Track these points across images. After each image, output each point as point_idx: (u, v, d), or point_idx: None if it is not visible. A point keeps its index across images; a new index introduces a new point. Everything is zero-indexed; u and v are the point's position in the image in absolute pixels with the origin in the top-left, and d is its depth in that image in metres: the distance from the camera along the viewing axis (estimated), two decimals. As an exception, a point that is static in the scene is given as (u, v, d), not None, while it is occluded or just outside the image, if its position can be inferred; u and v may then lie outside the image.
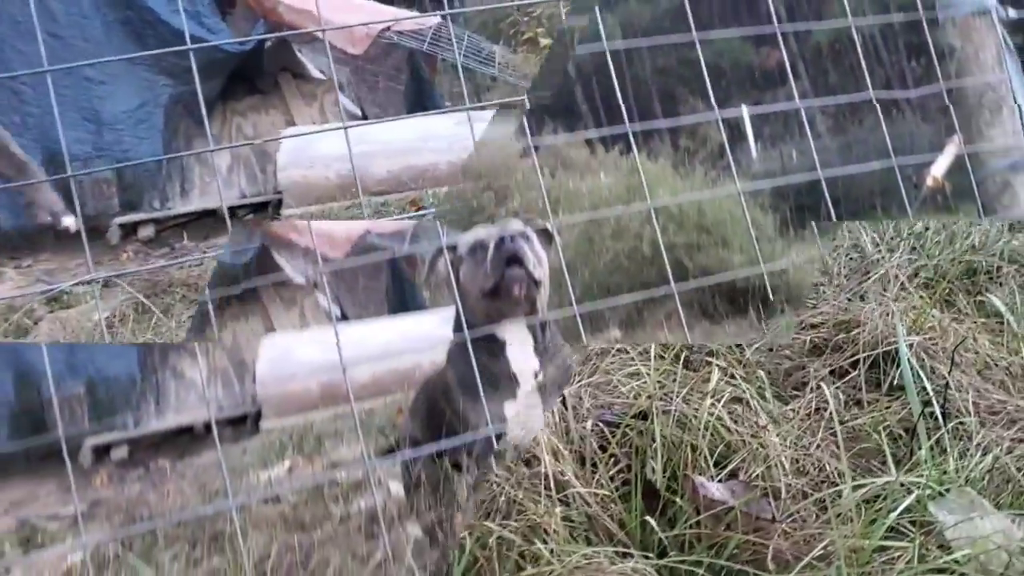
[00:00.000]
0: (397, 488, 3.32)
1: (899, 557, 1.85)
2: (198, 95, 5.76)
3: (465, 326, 2.19)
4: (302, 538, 2.88)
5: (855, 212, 2.99)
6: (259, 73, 6.23)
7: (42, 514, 4.37)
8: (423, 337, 4.89)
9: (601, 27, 2.43)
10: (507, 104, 5.59)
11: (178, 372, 6.67)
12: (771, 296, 5.49)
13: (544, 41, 7.87)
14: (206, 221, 5.83)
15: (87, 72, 5.50)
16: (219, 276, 5.93)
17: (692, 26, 2.31)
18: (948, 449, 2.21)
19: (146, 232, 5.67)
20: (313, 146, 5.45)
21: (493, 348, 2.17)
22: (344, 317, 7.31)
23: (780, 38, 2.56)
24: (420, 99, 6.63)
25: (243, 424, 5.86)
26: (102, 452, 5.88)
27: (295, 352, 5.62)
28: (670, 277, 2.58)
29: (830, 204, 2.65)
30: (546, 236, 2.31)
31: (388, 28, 6.19)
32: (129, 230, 5.66)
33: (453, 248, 2.26)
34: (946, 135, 2.45)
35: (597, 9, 2.44)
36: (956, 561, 1.80)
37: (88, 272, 5.16)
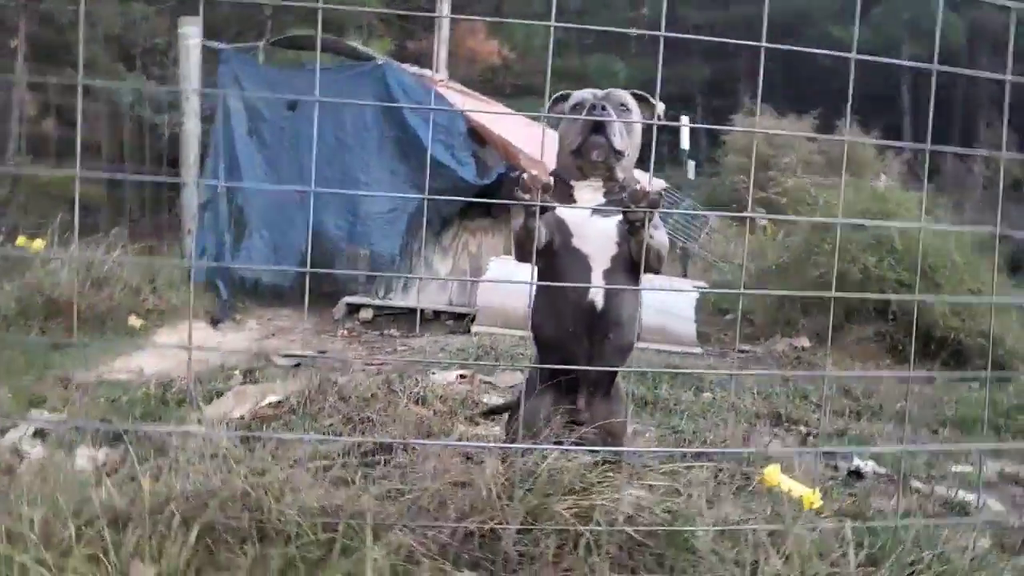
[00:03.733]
0: (499, 432, 3.47)
1: None
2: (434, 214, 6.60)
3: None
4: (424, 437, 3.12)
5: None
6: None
7: (279, 351, 4.81)
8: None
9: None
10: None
11: (429, 262, 7.20)
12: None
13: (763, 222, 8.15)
14: (413, 317, 6.50)
15: (357, 174, 6.60)
16: (458, 191, 6.41)
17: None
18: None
19: (365, 315, 6.42)
20: (514, 278, 6.03)
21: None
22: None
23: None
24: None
25: (462, 320, 6.07)
26: (354, 309, 6.41)
27: (515, 276, 5.90)
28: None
29: None
30: (648, 105, 2.44)
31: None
32: (354, 309, 6.45)
33: (566, 98, 2.45)
34: None
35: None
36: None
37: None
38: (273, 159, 6.74)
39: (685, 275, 7.14)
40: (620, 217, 2.31)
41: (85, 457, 2.79)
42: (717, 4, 31.62)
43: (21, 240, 5.07)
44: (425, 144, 6.51)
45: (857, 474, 3.13)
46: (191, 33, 6.60)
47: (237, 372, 4.04)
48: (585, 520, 1.86)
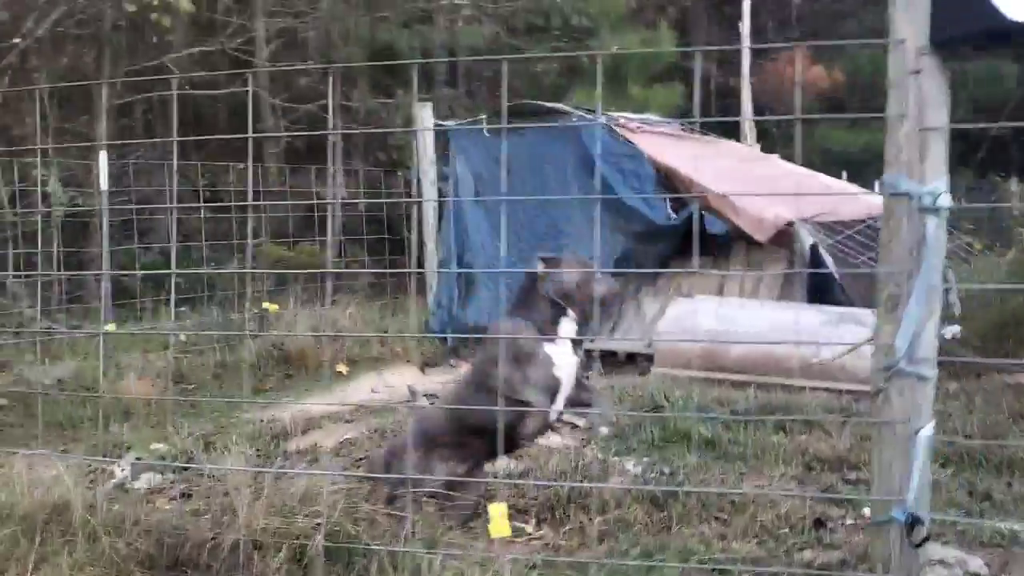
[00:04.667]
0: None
1: None
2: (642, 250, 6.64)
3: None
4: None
5: None
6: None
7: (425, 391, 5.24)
8: (804, 331, 4.90)
9: None
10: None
11: (639, 305, 7.26)
12: None
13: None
14: (611, 358, 6.65)
15: (560, 225, 7.01)
16: (652, 235, 6.37)
17: None
18: None
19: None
20: (692, 318, 6.00)
21: None
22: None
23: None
24: (818, 290, 6.40)
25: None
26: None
27: (696, 315, 5.80)
28: None
29: None
30: None
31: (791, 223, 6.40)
32: (560, 353, 6.81)
33: None
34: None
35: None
36: None
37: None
38: (496, 219, 7.41)
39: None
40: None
41: (144, 480, 3.62)
42: None
43: (267, 304, 6.31)
44: (617, 191, 6.71)
45: (820, 523, 2.84)
46: (425, 116, 7.62)
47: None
48: (281, 535, 2.15)
